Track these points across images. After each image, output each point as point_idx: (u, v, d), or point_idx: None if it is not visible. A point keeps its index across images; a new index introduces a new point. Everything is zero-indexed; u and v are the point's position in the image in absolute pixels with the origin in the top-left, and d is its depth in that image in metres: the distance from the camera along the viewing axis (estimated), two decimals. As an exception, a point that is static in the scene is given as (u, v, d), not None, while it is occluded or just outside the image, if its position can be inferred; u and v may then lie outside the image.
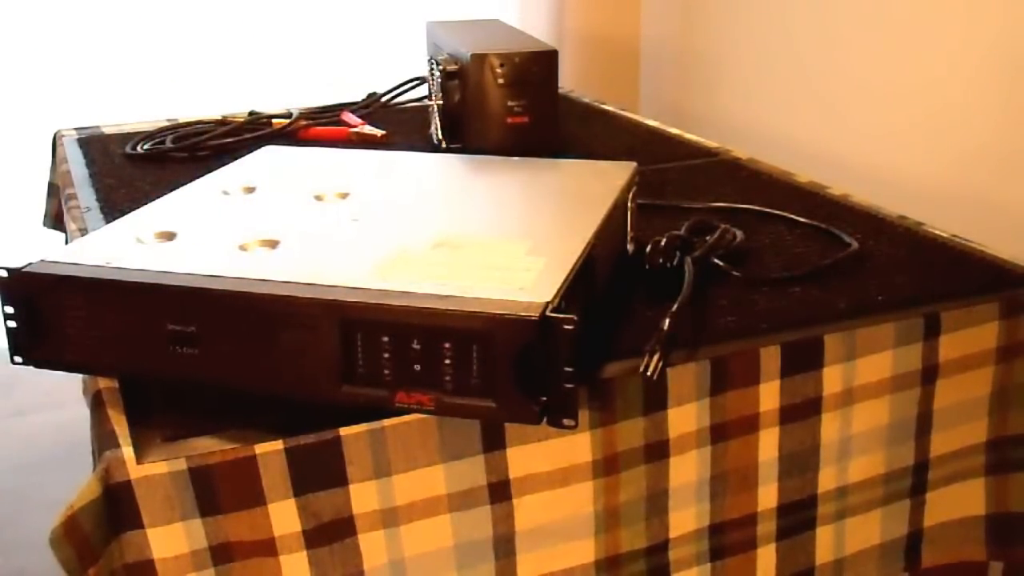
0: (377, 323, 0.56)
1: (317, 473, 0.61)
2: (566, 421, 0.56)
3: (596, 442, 0.67)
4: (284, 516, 0.61)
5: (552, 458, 0.66)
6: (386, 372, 0.57)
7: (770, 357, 0.71)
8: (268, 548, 0.61)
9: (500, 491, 0.66)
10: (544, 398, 0.56)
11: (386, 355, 0.57)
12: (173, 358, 0.60)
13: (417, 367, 0.57)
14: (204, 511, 0.60)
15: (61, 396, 1.98)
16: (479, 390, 0.56)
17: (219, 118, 1.37)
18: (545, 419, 0.56)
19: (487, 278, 0.60)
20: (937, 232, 0.91)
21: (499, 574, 0.67)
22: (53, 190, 1.41)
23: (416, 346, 0.56)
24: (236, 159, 0.91)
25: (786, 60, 1.79)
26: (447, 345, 0.56)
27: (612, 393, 0.67)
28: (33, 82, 1.97)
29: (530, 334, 0.55)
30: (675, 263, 0.78)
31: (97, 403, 0.65)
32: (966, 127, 1.42)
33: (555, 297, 0.57)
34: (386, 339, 0.57)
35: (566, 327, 0.55)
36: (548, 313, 0.55)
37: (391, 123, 1.36)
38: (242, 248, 0.66)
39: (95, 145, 1.29)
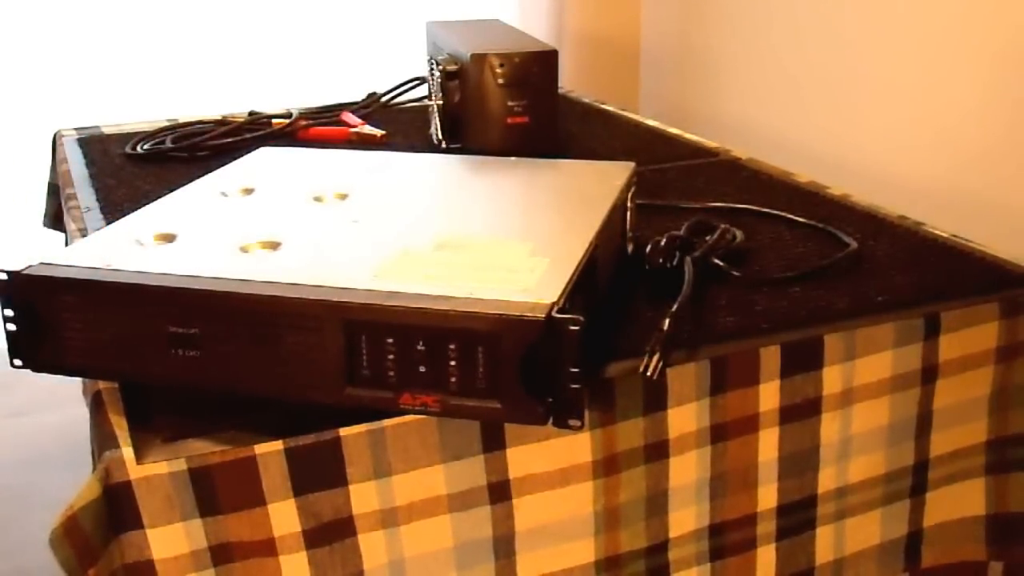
0: (382, 325, 0.56)
1: (317, 473, 0.61)
2: (572, 422, 0.56)
3: (596, 442, 0.67)
4: (284, 516, 0.61)
5: (552, 458, 0.66)
6: (391, 374, 0.57)
7: (770, 357, 0.71)
8: (268, 548, 0.61)
9: (500, 491, 0.66)
10: (550, 399, 0.56)
11: (391, 357, 0.57)
12: (174, 361, 0.60)
13: (422, 369, 0.57)
14: (204, 511, 0.60)
15: (61, 396, 1.98)
16: (485, 391, 0.56)
17: (219, 118, 1.37)
18: (551, 420, 0.56)
19: (491, 279, 0.60)
20: (937, 232, 0.91)
21: (499, 574, 0.67)
22: (53, 190, 1.41)
23: (421, 348, 0.56)
24: (236, 159, 0.91)
25: (786, 60, 1.79)
26: (452, 346, 0.56)
27: (612, 393, 0.67)
28: (33, 82, 1.97)
29: (536, 335, 0.55)
30: (675, 263, 0.78)
31: (97, 404, 0.65)
32: (966, 127, 1.42)
33: (560, 298, 0.57)
34: (391, 341, 0.57)
35: (572, 328, 0.55)
36: (554, 314, 0.55)
37: (391, 123, 1.36)
38: (243, 250, 0.66)
39: (95, 145, 1.29)
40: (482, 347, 0.56)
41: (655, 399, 0.68)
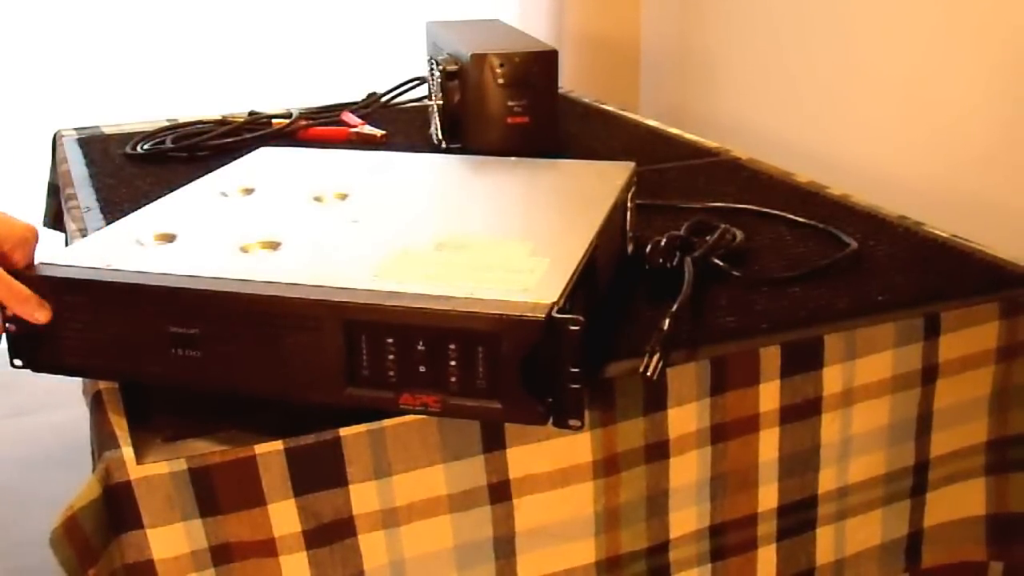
0: (382, 325, 0.56)
1: (317, 473, 0.61)
2: (572, 422, 0.56)
3: (596, 442, 0.67)
4: (284, 516, 0.61)
5: (552, 458, 0.66)
6: (391, 374, 0.57)
7: (770, 357, 0.71)
8: (268, 548, 0.61)
9: (500, 491, 0.66)
10: (550, 399, 0.56)
11: (391, 357, 0.57)
12: (175, 361, 0.60)
13: (422, 368, 0.57)
14: (204, 511, 0.60)
15: (61, 396, 1.98)
16: (485, 391, 0.56)
17: (219, 118, 1.37)
18: (551, 420, 0.56)
19: (491, 279, 0.60)
20: (937, 232, 0.91)
21: (499, 574, 0.67)
22: (53, 190, 1.40)
23: (421, 348, 0.56)
24: (236, 159, 0.91)
25: (786, 60, 1.78)
26: (452, 346, 0.56)
27: (612, 393, 0.67)
28: (33, 82, 1.97)
29: (536, 335, 0.55)
30: (675, 263, 0.78)
31: (97, 404, 0.65)
32: (966, 127, 1.42)
33: (560, 298, 0.57)
34: (391, 341, 0.57)
35: (572, 328, 0.55)
36: (554, 314, 0.55)
37: (391, 123, 1.36)
38: (243, 250, 0.66)
39: (95, 145, 1.29)
40: (482, 347, 0.56)
41: (655, 399, 0.68)
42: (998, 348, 0.78)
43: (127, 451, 0.59)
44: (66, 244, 1.25)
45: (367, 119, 1.35)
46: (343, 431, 0.61)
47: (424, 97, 1.45)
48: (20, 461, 1.83)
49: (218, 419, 0.62)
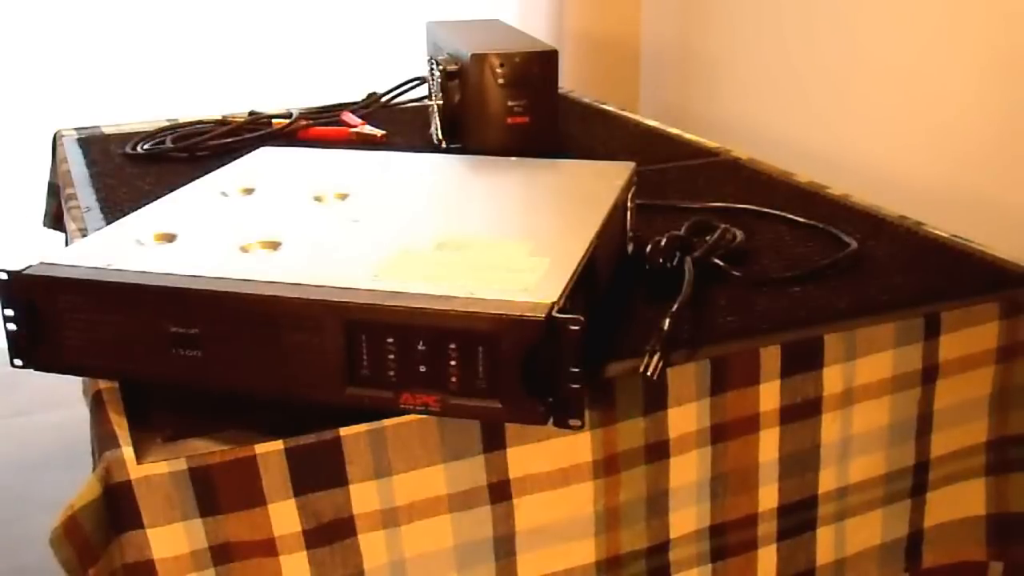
0: (382, 324, 0.56)
1: (317, 473, 0.61)
2: (572, 422, 0.56)
3: (596, 442, 0.67)
4: (284, 516, 0.61)
5: (552, 458, 0.66)
6: (391, 374, 0.57)
7: (770, 357, 0.71)
8: (268, 548, 0.61)
9: (500, 491, 0.66)
10: (550, 399, 0.56)
11: (391, 357, 0.57)
12: (175, 361, 0.60)
13: (422, 368, 0.57)
14: (204, 511, 0.60)
15: (61, 396, 1.98)
16: (485, 391, 0.56)
17: (219, 118, 1.37)
18: (551, 420, 0.56)
19: (491, 279, 0.60)
20: (937, 232, 0.91)
21: (499, 574, 0.67)
22: (53, 190, 1.40)
23: (421, 347, 0.56)
24: (236, 159, 0.91)
25: (786, 60, 1.79)
26: (452, 346, 0.56)
27: (612, 393, 0.67)
28: (33, 82, 1.97)
29: (536, 335, 0.55)
30: (675, 263, 0.78)
31: (97, 403, 0.65)
32: (966, 127, 1.42)
33: (560, 298, 0.57)
34: (391, 340, 0.57)
35: (572, 328, 0.55)
36: (554, 314, 0.55)
37: (391, 123, 1.36)
38: (243, 250, 0.66)
39: (95, 145, 1.29)
40: (482, 347, 0.56)
41: (655, 399, 0.68)
42: (998, 348, 0.78)
43: (127, 451, 0.59)
44: (66, 244, 1.25)
45: (367, 119, 1.35)
46: (343, 431, 0.61)
47: (424, 97, 1.45)
48: (20, 461, 1.83)
49: (218, 419, 0.62)
